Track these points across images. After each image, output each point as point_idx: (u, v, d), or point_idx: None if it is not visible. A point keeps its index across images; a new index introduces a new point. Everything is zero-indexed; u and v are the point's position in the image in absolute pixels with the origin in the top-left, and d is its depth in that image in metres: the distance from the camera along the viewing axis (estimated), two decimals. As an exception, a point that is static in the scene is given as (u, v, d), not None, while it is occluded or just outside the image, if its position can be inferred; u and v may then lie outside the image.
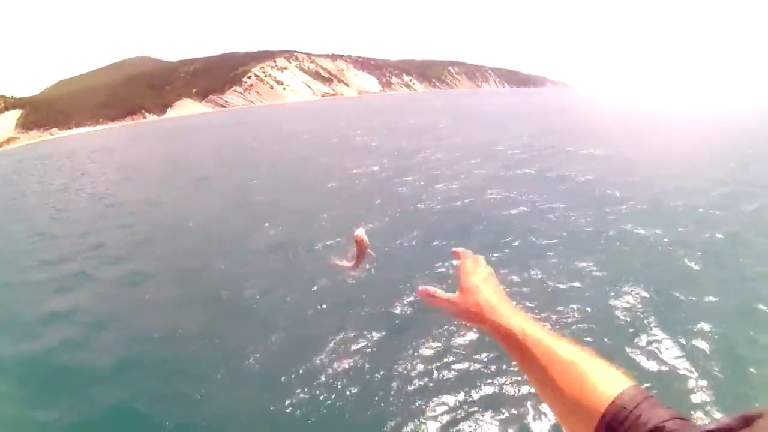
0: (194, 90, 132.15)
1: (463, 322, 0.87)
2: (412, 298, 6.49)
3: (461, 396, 4.69)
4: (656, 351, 5.24)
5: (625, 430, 0.60)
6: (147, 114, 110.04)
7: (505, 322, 0.80)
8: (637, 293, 6.53)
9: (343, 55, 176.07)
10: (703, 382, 4.69)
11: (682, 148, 20.25)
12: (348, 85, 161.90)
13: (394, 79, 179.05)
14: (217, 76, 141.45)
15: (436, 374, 5.05)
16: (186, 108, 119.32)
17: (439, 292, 0.89)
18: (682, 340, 5.38)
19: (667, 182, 12.64)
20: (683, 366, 4.98)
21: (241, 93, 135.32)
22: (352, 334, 5.84)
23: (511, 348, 0.79)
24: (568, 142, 20.86)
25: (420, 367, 5.18)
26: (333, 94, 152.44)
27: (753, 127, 27.96)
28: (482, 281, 0.87)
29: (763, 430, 0.46)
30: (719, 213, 9.99)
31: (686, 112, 44.12)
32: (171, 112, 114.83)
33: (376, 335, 5.80)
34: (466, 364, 5.16)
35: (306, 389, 4.88)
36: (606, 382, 0.66)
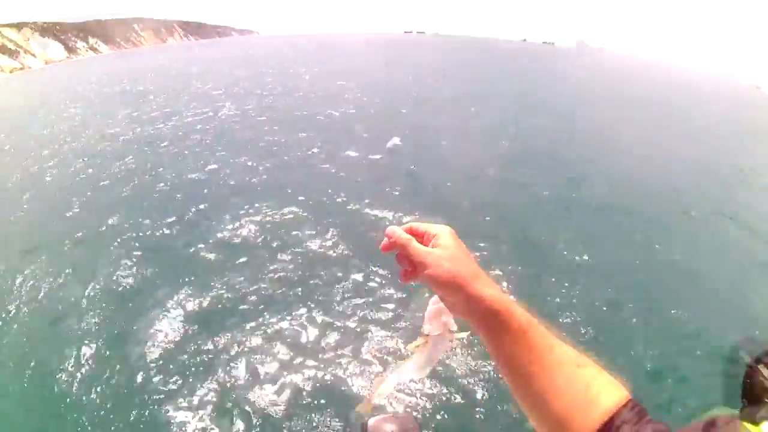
0: None
1: (435, 289, 0.67)
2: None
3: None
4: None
5: None
6: None
7: (499, 298, 0.64)
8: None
9: (28, 23, 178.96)
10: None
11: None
12: (34, 56, 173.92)
13: (79, 44, 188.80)
14: None
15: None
16: None
17: (414, 243, 0.68)
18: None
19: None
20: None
21: None
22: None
23: (496, 330, 0.65)
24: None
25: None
26: (21, 68, 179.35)
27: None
28: (456, 244, 0.69)
29: None
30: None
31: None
32: None
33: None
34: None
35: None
36: (608, 394, 0.60)
